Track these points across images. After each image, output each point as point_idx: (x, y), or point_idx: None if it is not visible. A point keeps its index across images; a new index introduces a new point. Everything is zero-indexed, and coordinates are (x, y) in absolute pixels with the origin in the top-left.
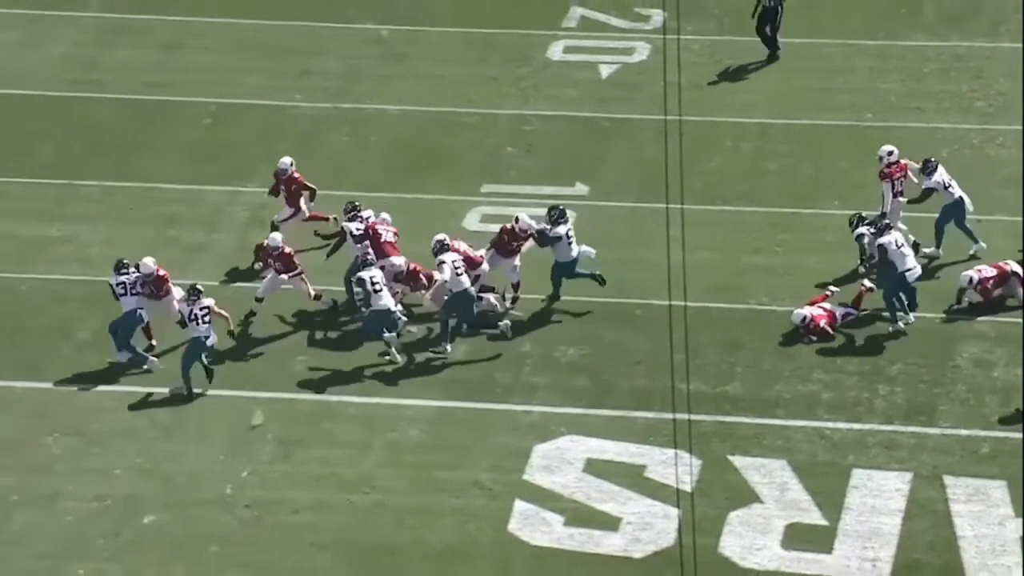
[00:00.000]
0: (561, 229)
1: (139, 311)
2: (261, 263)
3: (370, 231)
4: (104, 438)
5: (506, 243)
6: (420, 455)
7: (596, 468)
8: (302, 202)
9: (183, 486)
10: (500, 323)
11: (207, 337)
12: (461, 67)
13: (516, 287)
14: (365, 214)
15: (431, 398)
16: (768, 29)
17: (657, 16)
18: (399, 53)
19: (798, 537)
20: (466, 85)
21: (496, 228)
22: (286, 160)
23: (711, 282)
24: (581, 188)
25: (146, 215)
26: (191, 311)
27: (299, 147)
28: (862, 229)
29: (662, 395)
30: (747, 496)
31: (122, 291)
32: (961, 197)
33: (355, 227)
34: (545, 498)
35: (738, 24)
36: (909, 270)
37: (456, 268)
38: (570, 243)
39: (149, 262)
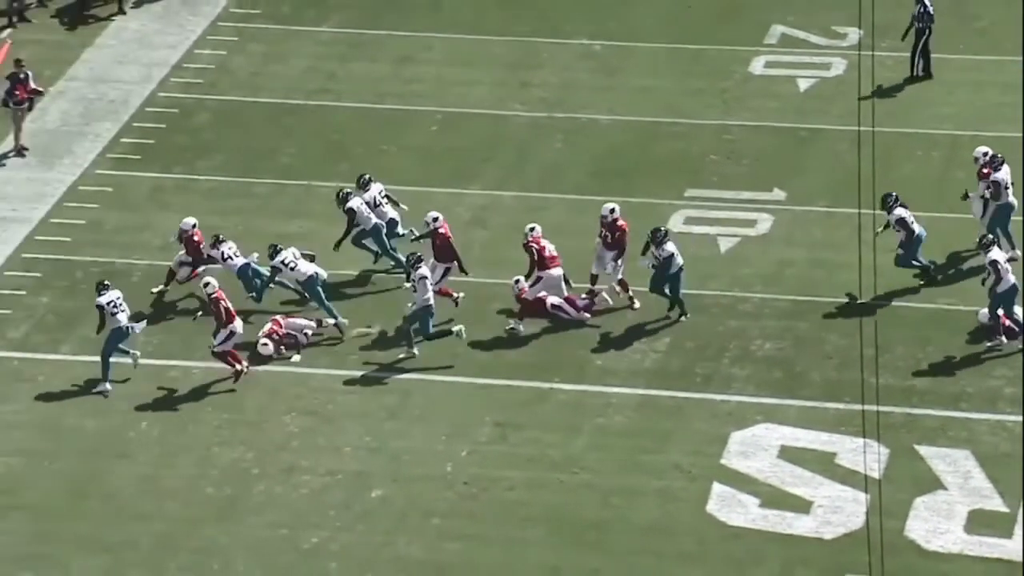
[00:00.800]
0: (670, 247)
1: (129, 327)
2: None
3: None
4: (336, 418)
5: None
6: (625, 439)
7: (789, 454)
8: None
9: (408, 463)
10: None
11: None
12: (668, 80)
13: (622, 285)
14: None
15: (636, 386)
16: (920, 49)
17: (853, 34)
18: (611, 67)
19: (980, 522)
20: (673, 97)
21: (699, 230)
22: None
23: (900, 282)
24: (779, 193)
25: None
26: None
27: (517, 153)
28: (899, 211)
29: (853, 387)
30: (932, 483)
31: (114, 309)
32: (1012, 202)
33: (357, 203)
34: (741, 481)
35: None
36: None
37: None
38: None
39: (188, 220)
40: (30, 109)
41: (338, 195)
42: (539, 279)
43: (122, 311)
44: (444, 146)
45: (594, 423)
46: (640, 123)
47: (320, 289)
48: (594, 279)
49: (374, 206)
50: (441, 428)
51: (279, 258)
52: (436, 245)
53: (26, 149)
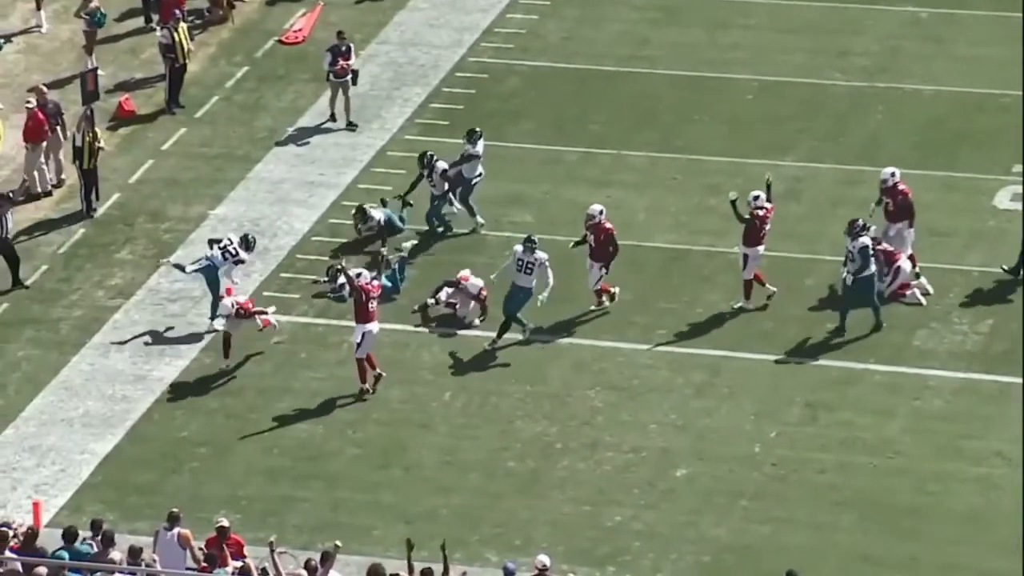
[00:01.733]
0: (865, 240)
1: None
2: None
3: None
4: (641, 393)
5: None
6: (943, 423)
7: None
8: None
9: (714, 442)
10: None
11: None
12: (996, 50)
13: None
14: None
15: (956, 370)
16: None
17: None
18: (936, 35)
19: None
20: (1001, 67)
21: None
22: None
23: None
24: None
25: (689, 185)
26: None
27: (835, 123)
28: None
29: None
30: None
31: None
32: None
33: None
34: None
35: None
36: None
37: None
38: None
39: (228, 303)
40: (354, 83)
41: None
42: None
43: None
44: (759, 115)
45: (910, 406)
46: (966, 94)
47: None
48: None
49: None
50: (749, 407)
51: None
52: (599, 240)
53: (335, 120)
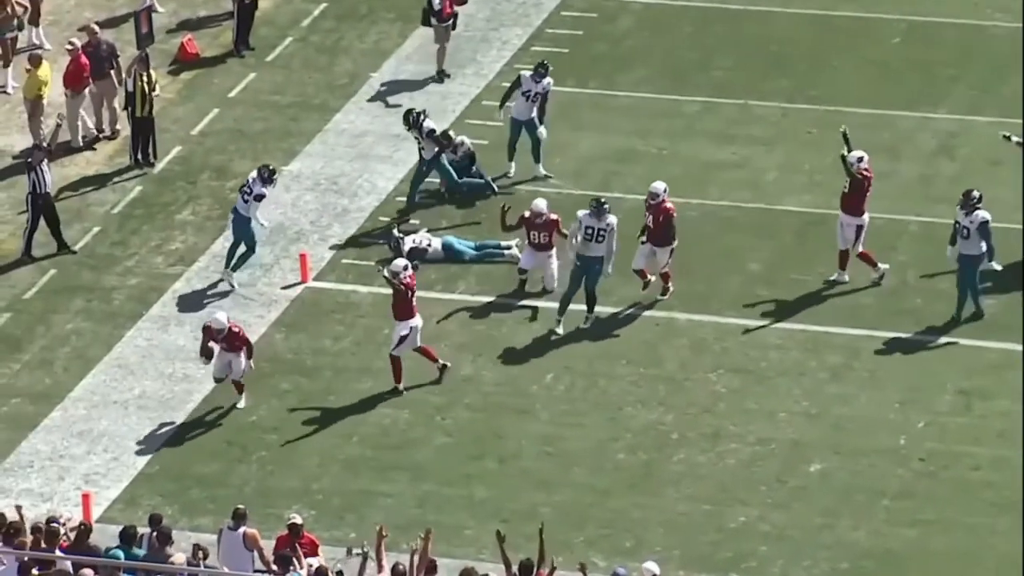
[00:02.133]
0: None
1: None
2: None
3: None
4: (770, 377)
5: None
6: None
7: None
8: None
9: (853, 433)
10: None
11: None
12: None
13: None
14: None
15: None
16: None
17: None
18: None
19: None
20: None
21: None
22: None
23: None
24: None
25: (825, 139)
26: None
27: (994, 71)
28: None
29: None
30: None
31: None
32: None
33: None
34: None
35: None
36: None
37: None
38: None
39: (222, 317)
40: (454, 27)
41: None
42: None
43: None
44: (907, 61)
45: None
46: None
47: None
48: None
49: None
50: (893, 394)
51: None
52: (658, 222)
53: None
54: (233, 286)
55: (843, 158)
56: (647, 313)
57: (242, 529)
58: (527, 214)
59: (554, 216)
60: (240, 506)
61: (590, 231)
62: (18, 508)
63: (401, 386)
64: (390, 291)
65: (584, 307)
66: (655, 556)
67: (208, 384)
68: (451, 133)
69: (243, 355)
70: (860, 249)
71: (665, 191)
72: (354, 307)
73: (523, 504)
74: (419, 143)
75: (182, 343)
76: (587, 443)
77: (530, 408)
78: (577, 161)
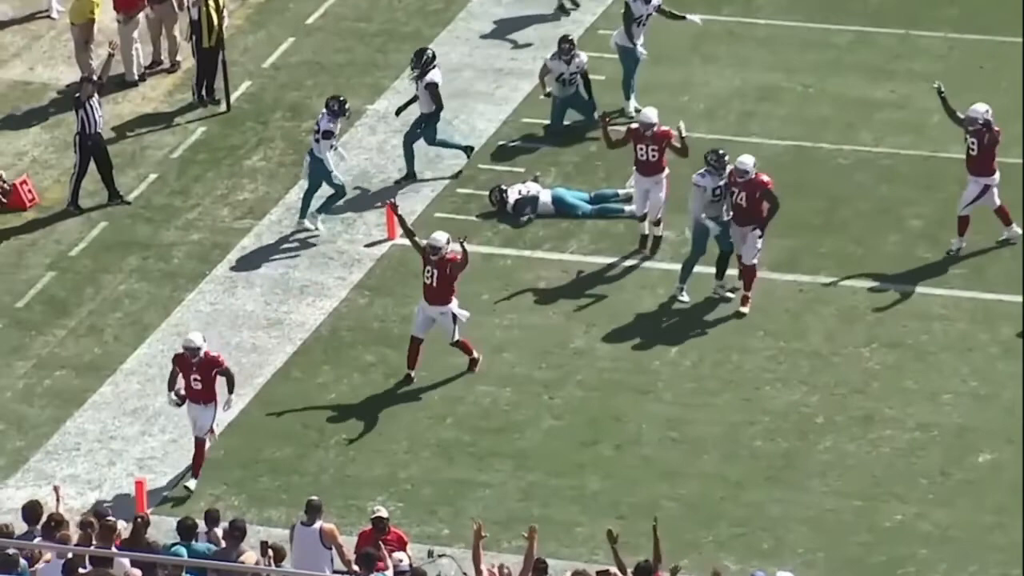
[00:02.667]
0: None
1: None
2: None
3: None
4: (932, 352)
5: None
6: None
7: None
8: None
9: None
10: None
11: None
12: None
13: None
14: None
15: None
16: None
17: None
18: None
19: None
20: None
21: None
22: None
23: None
24: None
25: (1000, 76)
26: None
27: None
28: None
29: None
30: None
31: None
32: None
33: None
34: None
35: None
36: None
37: None
38: None
39: (195, 338)
40: None
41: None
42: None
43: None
44: None
45: None
46: None
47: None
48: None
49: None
50: None
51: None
52: (752, 199)
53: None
54: (318, 229)
55: (953, 115)
56: (788, 276)
57: (318, 523)
58: (634, 125)
59: (665, 128)
60: (315, 497)
61: (717, 191)
62: (56, 489)
63: (413, 373)
64: (490, 250)
65: (713, 270)
66: (796, 560)
67: (281, 356)
68: (572, 38)
69: (212, 407)
70: (998, 203)
71: (755, 165)
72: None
73: (643, 497)
74: (416, 88)
75: (251, 308)
76: (718, 428)
77: (652, 387)
78: (709, 100)
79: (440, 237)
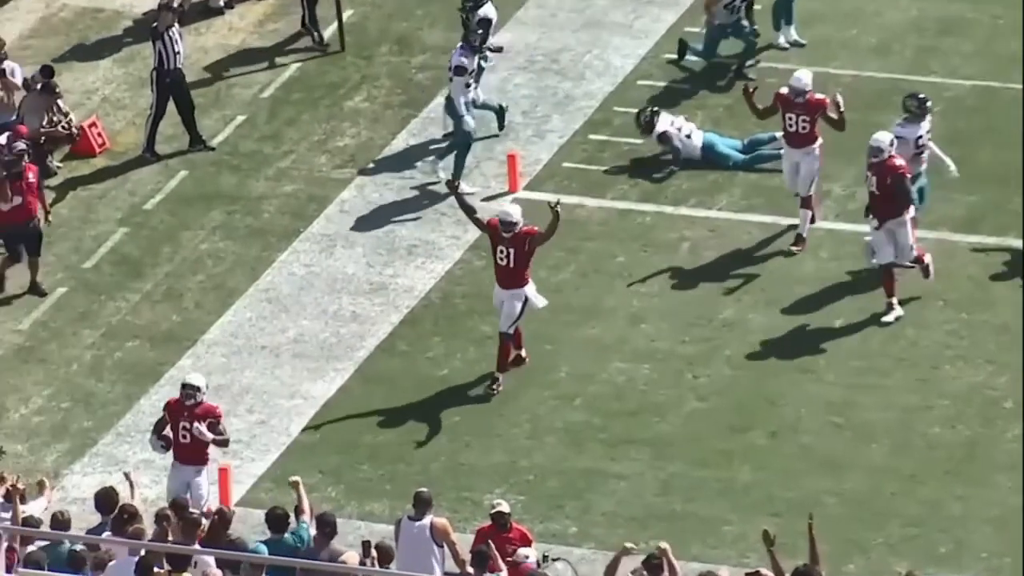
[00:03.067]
0: None
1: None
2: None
3: None
4: None
5: None
6: None
7: None
8: None
9: None
10: None
11: None
12: None
13: None
14: None
15: None
16: None
17: None
18: None
19: None
20: None
21: None
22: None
23: None
24: None
25: None
26: None
27: None
28: None
29: None
30: None
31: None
32: None
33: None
34: None
35: None
36: None
37: None
38: None
39: (197, 379)
40: None
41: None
42: None
43: None
44: None
45: None
46: None
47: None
48: None
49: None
50: None
51: None
52: (884, 185)
53: None
54: (440, 178)
55: None
56: (971, 238)
57: (427, 518)
58: (784, 90)
59: (820, 96)
60: (424, 489)
61: (920, 142)
62: (127, 476)
63: (517, 360)
64: (626, 205)
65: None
66: (979, 565)
67: (385, 326)
68: None
69: (204, 474)
70: None
71: (892, 144)
72: (579, 226)
73: (802, 492)
74: (469, 30)
75: (351, 271)
76: (889, 413)
77: (812, 365)
78: (881, 33)
79: (512, 210)
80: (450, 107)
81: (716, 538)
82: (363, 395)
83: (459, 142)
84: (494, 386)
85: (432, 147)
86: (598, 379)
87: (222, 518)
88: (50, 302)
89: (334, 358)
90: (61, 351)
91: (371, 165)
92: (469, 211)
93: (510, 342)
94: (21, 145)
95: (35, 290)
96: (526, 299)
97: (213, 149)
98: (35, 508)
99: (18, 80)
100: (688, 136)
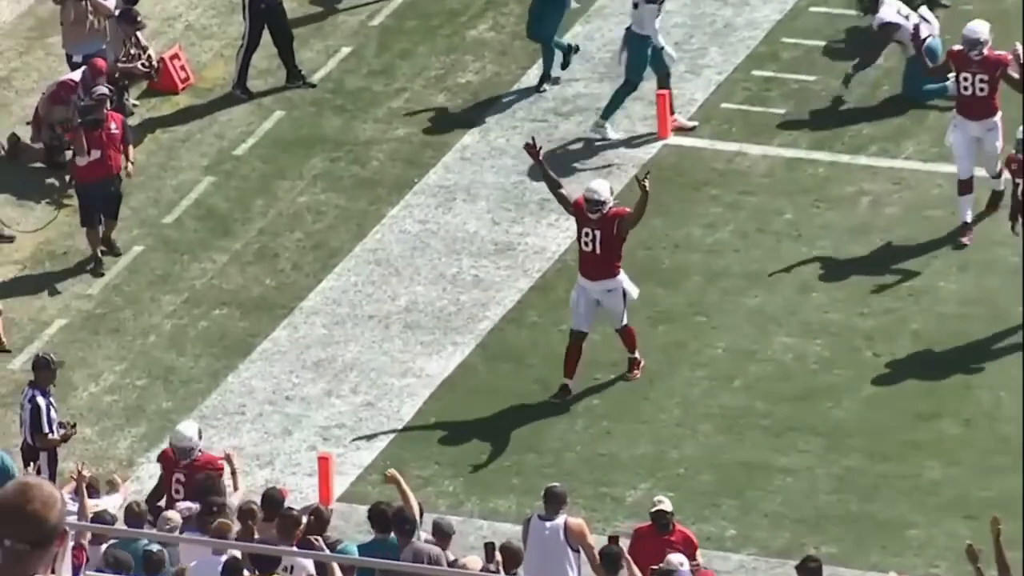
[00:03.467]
0: None
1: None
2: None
3: None
4: None
5: None
6: None
7: None
8: None
9: None
10: None
11: None
12: None
13: None
14: None
15: None
16: None
17: None
18: None
19: None
20: None
21: None
22: None
23: None
24: None
25: None
26: None
27: None
28: None
29: None
30: None
31: None
32: None
33: None
34: None
35: None
36: None
37: None
38: None
39: (188, 430)
40: None
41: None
42: None
43: None
44: None
45: None
46: None
47: None
48: None
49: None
50: None
51: None
52: (992, 82)
53: None
54: (608, 139)
55: None
56: None
57: (561, 518)
58: (956, 48)
59: (1000, 53)
60: (558, 484)
61: None
62: (228, 457)
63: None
64: (795, 153)
65: None
66: None
67: (513, 292)
68: None
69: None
70: None
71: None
72: (739, 177)
73: (1001, 491)
74: None
75: (473, 228)
76: None
77: (1015, 341)
78: None
79: (600, 187)
80: (633, 41)
81: (899, 544)
82: (486, 373)
83: (630, 78)
84: (634, 370)
85: (568, 81)
86: (760, 357)
87: (318, 519)
88: (124, 263)
89: (452, 330)
90: (137, 320)
91: (497, 105)
92: (554, 185)
93: (629, 329)
94: (103, 89)
95: (109, 248)
96: (624, 290)
97: (314, 86)
98: (109, 504)
99: (111, 2)
100: (918, 24)
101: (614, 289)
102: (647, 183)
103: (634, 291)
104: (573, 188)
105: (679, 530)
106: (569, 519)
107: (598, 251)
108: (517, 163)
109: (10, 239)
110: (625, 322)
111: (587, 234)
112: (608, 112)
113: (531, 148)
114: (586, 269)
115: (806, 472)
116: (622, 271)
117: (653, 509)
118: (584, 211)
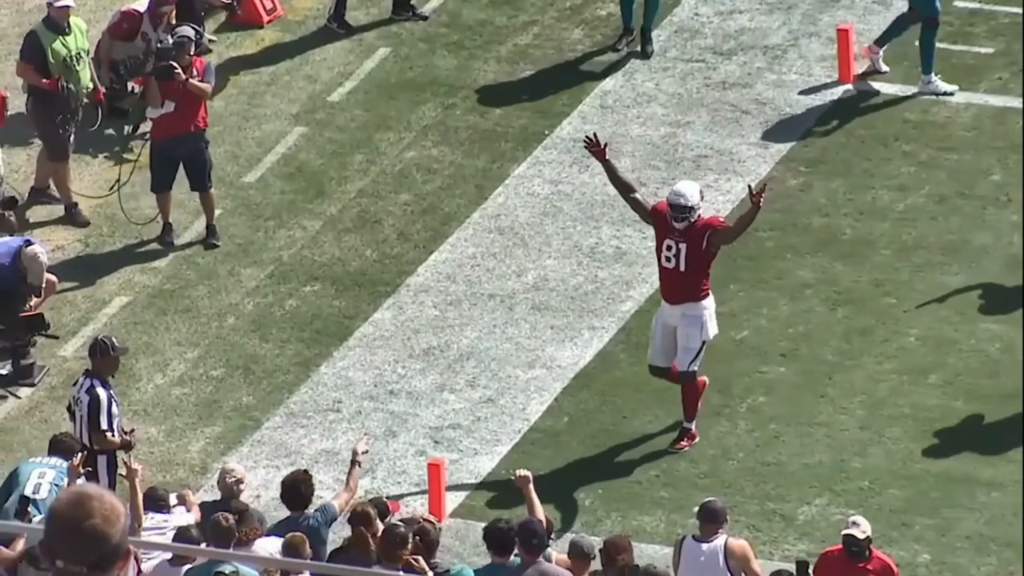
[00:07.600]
0: None
1: None
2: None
3: None
4: None
5: None
6: None
7: None
8: None
9: None
10: None
11: None
12: None
13: None
14: None
15: None
16: None
17: None
18: None
19: None
20: None
21: None
22: None
23: None
24: None
25: None
26: None
27: None
28: None
29: None
30: None
31: None
32: None
33: None
34: None
35: None
36: None
37: None
38: None
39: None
40: None
41: None
42: None
43: None
44: None
45: None
46: None
47: None
48: None
49: None
50: None
51: None
52: None
53: None
54: (945, 92)
55: None
56: None
57: (720, 538)
58: None
59: None
60: (715, 499)
61: None
62: (356, 454)
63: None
64: (1003, 102)
65: None
66: None
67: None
68: None
69: None
70: None
71: None
72: (937, 130)
73: None
74: None
75: (615, 191)
76: None
77: None
78: None
79: (687, 190)
80: None
81: None
82: (629, 364)
83: (926, 14)
84: (683, 441)
85: (730, 14)
86: (962, 346)
87: (424, 538)
88: (198, 229)
89: (590, 312)
90: (212, 298)
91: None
92: (625, 189)
93: (696, 381)
94: (187, 31)
95: (210, 236)
96: (703, 322)
97: (426, 18)
98: (183, 519)
99: None
100: None
101: (693, 316)
102: (761, 197)
103: (713, 328)
104: (736, 144)
105: (877, 556)
106: (730, 540)
107: (682, 268)
108: (668, 112)
109: (75, 205)
110: (694, 368)
111: (669, 247)
112: (927, 64)
113: (593, 145)
114: (666, 289)
115: (1016, 487)
116: (711, 296)
117: (844, 531)
118: (667, 219)
